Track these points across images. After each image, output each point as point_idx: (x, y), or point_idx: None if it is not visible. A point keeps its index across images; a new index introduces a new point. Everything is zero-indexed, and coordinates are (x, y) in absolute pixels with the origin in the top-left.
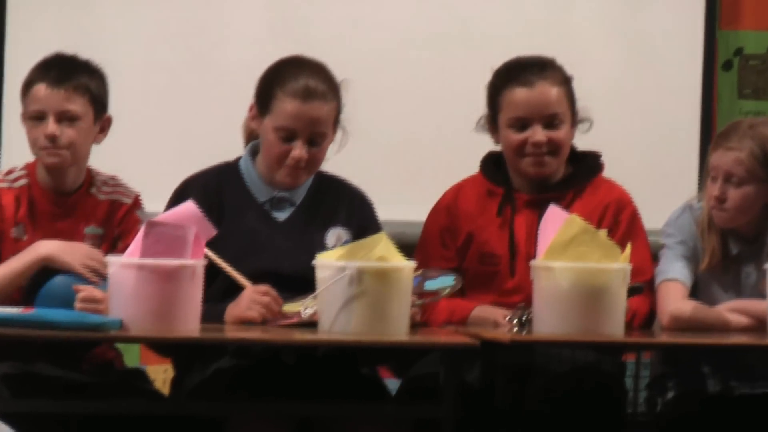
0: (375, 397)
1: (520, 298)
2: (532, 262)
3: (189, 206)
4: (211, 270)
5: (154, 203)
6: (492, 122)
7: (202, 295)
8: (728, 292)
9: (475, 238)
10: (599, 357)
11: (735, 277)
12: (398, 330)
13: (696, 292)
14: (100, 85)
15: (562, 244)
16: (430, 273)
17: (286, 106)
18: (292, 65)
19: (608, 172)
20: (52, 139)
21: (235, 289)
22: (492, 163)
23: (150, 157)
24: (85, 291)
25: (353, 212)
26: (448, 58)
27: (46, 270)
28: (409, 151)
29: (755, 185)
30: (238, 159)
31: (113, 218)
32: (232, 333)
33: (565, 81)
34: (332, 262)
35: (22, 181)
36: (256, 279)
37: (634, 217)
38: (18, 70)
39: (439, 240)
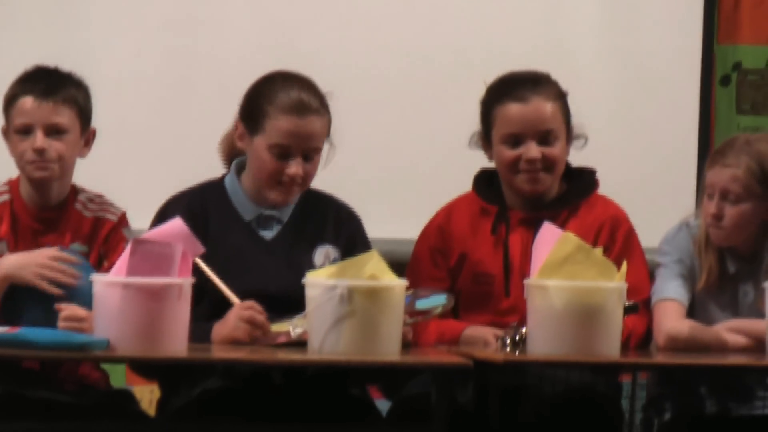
0: (365, 418)
1: (515, 318)
2: (526, 281)
3: (176, 223)
4: (198, 288)
5: (140, 221)
6: (485, 138)
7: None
8: (725, 311)
9: (468, 257)
10: (594, 377)
11: (732, 296)
12: (389, 350)
13: (693, 311)
14: (86, 97)
15: (557, 262)
16: (422, 292)
17: (281, 123)
18: (280, 80)
19: (604, 189)
20: (41, 152)
21: (223, 309)
22: (485, 181)
23: (135, 173)
24: (67, 310)
25: (341, 229)
26: (441, 73)
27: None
28: (400, 168)
29: (752, 202)
30: (223, 177)
31: (98, 235)
32: (219, 353)
33: (560, 96)
34: (322, 280)
35: (4, 197)
36: (242, 299)
37: (630, 235)
38: None
39: (431, 260)
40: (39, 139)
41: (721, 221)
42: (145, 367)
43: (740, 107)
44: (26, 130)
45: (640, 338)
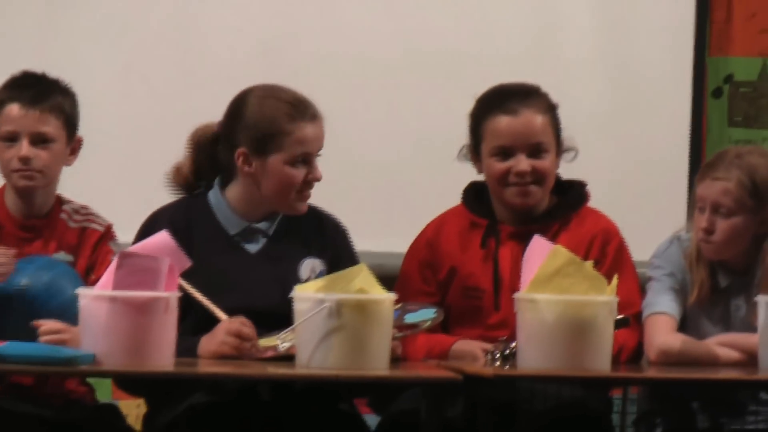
0: None
1: (505, 332)
2: (516, 295)
3: (163, 237)
4: (185, 303)
5: (126, 233)
6: (474, 151)
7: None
8: (717, 325)
9: (458, 272)
10: (585, 392)
11: (724, 310)
12: (378, 364)
13: (684, 325)
14: (72, 105)
15: (547, 276)
16: (410, 306)
17: (306, 132)
18: (272, 96)
19: (594, 202)
20: (26, 161)
21: (210, 323)
22: (474, 194)
23: (121, 186)
24: (45, 325)
25: (327, 241)
26: (430, 85)
27: None
28: (389, 181)
29: (743, 216)
30: (204, 192)
31: (84, 246)
32: (206, 368)
33: (550, 109)
34: (311, 294)
35: None
36: (228, 315)
37: (621, 249)
38: None
39: (419, 275)
40: (24, 147)
41: (713, 235)
42: (131, 384)
43: (732, 120)
44: (12, 138)
45: (631, 352)
